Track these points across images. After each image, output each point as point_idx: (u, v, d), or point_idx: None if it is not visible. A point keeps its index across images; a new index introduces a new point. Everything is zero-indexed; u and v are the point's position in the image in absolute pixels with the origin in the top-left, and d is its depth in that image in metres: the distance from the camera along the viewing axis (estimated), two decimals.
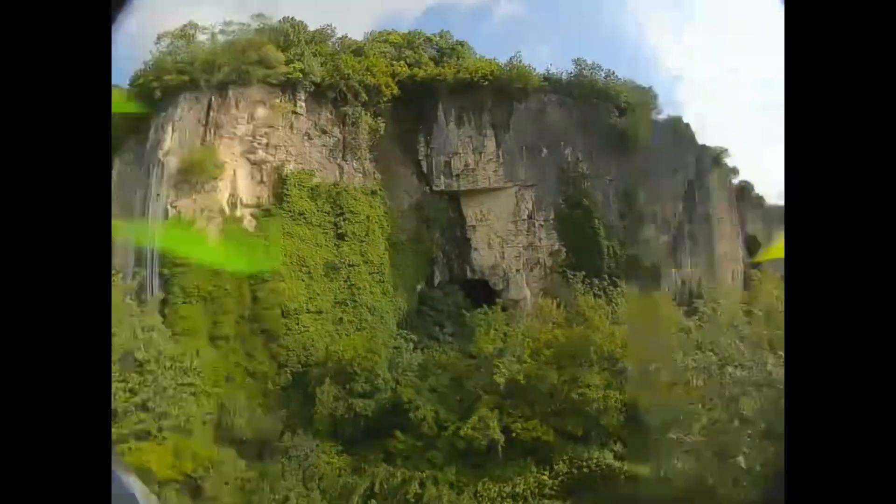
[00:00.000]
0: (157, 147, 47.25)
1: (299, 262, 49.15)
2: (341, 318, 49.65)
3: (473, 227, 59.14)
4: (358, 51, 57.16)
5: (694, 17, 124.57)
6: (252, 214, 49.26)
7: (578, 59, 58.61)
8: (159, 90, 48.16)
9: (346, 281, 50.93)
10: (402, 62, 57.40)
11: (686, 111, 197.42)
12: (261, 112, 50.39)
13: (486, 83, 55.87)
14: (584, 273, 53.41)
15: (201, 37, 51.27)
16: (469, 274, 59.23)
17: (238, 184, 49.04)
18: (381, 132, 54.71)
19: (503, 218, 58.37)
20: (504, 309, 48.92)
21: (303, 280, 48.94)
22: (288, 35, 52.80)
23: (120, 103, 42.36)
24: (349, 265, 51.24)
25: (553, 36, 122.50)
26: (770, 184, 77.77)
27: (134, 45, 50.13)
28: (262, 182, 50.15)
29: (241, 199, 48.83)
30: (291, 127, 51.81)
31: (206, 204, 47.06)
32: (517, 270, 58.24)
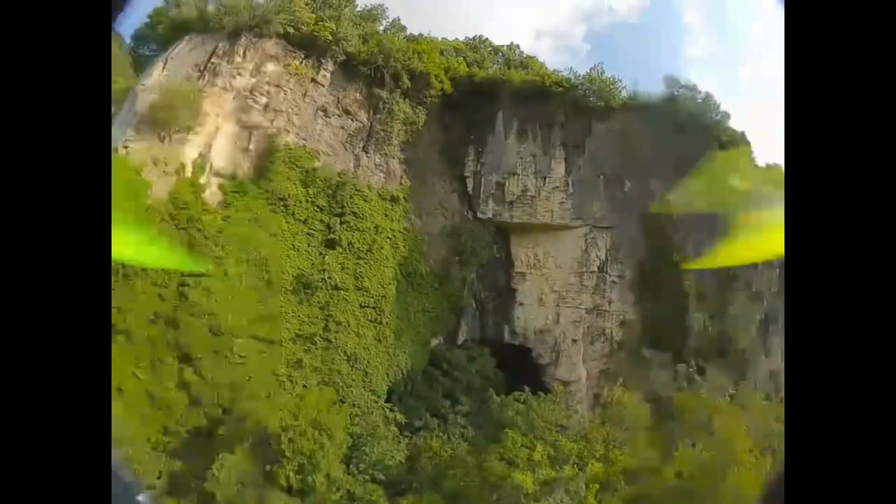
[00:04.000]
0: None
1: (258, 264, 34.78)
2: (301, 361, 34.38)
3: (523, 274, 44.17)
4: (411, 38, 46.81)
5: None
6: (220, 186, 36.33)
7: (669, 76, 45.90)
8: (165, 27, 39.17)
9: (322, 308, 36.11)
10: (461, 59, 46.37)
11: None
12: (271, 68, 39.27)
13: (560, 90, 43.49)
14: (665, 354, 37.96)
15: None
16: (507, 336, 43.49)
17: (216, 145, 36.80)
18: (420, 125, 42.32)
19: (564, 267, 43.30)
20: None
21: (257, 290, 34.35)
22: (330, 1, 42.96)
23: None
24: (333, 287, 36.50)
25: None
26: None
27: None
28: (247, 150, 37.77)
29: (211, 164, 36.32)
30: (305, 95, 40.14)
31: (164, 154, 34.70)
32: (574, 341, 42.30)
